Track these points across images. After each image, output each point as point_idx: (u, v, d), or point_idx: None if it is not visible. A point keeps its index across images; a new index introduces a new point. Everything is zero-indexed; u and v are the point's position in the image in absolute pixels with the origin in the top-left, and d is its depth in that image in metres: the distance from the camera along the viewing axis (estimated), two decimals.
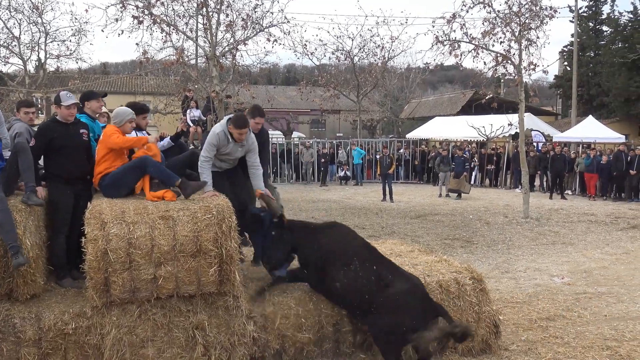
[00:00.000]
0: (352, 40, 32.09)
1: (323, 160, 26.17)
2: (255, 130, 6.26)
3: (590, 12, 43.66)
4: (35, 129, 6.08)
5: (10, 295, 5.07)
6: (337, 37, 31.81)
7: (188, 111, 16.92)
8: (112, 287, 4.98)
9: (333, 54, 31.33)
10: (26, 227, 5.03)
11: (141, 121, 6.30)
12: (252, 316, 5.32)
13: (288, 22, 16.03)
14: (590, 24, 43.86)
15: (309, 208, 17.71)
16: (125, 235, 4.91)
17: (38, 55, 28.07)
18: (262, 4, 15.49)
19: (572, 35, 37.43)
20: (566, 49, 43.94)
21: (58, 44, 27.82)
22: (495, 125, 26.23)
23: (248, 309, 5.32)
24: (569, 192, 22.17)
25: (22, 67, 27.44)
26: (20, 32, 26.83)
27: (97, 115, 6.30)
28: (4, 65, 28.86)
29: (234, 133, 5.88)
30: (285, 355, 5.44)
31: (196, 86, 17.97)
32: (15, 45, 26.72)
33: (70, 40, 27.51)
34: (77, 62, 29.20)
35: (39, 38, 27.12)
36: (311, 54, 30.79)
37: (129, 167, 5.52)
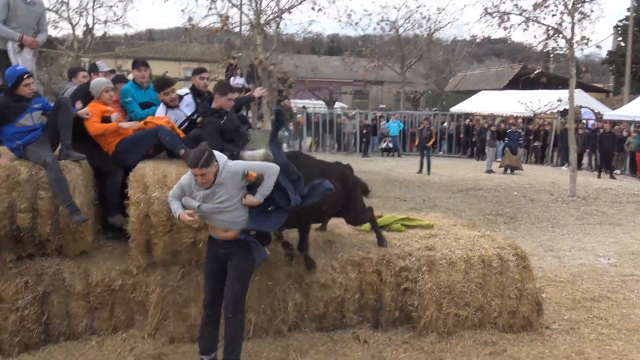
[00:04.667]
0: (398, 10, 31.50)
1: (365, 131, 25.94)
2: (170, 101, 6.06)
3: None
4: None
5: (60, 252, 5.23)
6: (383, 7, 31.13)
7: (232, 78, 16.96)
8: (154, 249, 5.09)
9: (378, 24, 30.74)
10: (76, 186, 5.14)
11: (164, 97, 6.00)
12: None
13: None
14: None
15: None
16: (166, 199, 4.97)
17: (86, 20, 28.47)
18: None
19: (628, 10, 35.93)
20: (621, 24, 42.19)
21: (105, 10, 28.16)
22: (543, 101, 25.51)
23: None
24: (618, 171, 21.49)
25: (71, 32, 27.91)
26: None
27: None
28: (54, 29, 29.40)
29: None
30: (325, 322, 5.49)
31: (240, 54, 17.96)
32: (64, 10, 27.13)
33: (117, 6, 27.80)
34: (123, 28, 29.62)
35: (87, 3, 27.49)
36: (355, 23, 30.31)
37: (145, 133, 5.53)
